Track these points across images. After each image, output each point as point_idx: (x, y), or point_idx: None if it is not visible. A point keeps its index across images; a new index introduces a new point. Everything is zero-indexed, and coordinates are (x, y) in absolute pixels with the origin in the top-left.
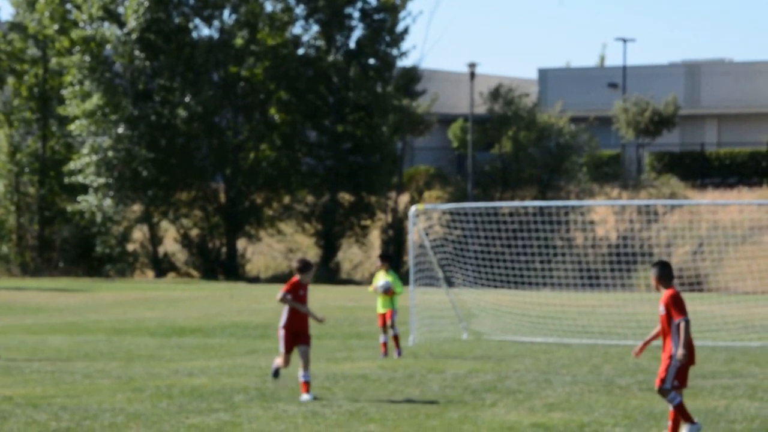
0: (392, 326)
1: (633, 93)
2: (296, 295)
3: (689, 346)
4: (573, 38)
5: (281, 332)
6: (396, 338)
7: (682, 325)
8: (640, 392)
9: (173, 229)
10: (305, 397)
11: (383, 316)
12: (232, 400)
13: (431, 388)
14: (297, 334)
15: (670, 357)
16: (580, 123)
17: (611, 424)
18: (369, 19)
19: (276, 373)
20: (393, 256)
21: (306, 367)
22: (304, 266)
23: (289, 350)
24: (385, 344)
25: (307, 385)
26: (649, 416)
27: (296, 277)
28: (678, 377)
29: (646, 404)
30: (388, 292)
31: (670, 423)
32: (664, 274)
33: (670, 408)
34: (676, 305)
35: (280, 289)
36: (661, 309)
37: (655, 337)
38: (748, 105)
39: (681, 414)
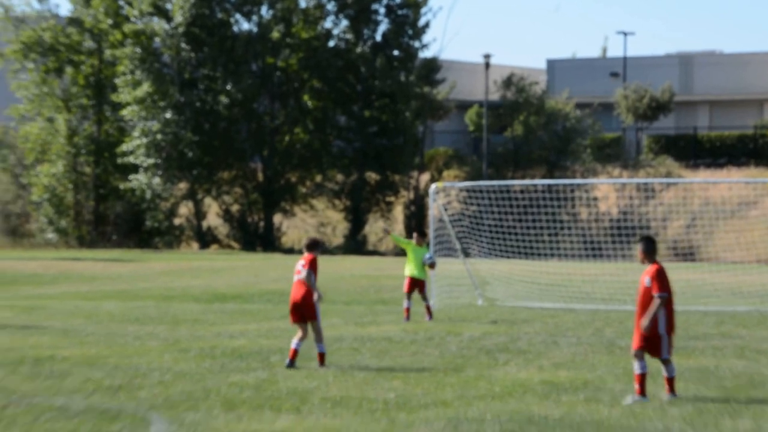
0: (425, 298)
1: (632, 81)
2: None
3: (669, 317)
4: (578, 32)
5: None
6: (428, 308)
7: (657, 301)
8: None
9: (215, 205)
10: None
11: (412, 281)
12: (268, 360)
13: (449, 349)
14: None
15: (659, 333)
16: (585, 109)
17: (612, 381)
18: (393, 15)
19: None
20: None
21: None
22: (320, 244)
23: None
24: (408, 309)
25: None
26: (647, 374)
27: (313, 255)
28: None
29: None
30: (432, 266)
31: (637, 386)
32: (649, 248)
33: (638, 372)
34: (659, 280)
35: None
36: (646, 281)
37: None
38: (737, 92)
39: (642, 379)
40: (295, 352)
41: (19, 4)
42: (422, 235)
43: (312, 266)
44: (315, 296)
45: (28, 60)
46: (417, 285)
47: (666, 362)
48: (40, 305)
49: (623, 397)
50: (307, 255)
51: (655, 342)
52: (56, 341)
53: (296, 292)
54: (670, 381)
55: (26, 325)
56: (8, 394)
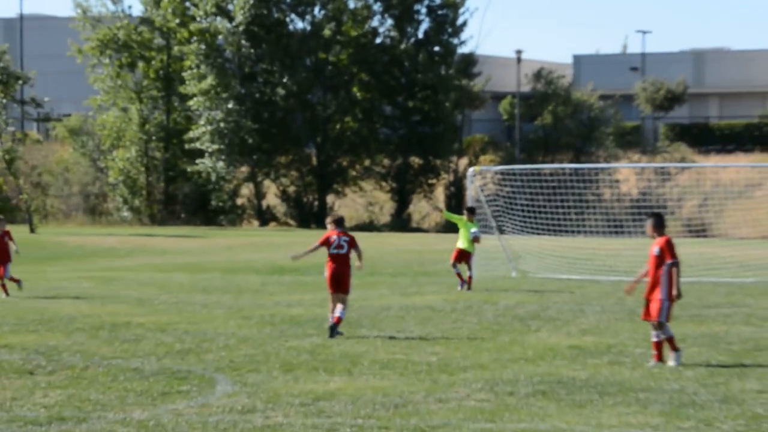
0: (470, 268)
1: (650, 75)
2: None
3: (670, 286)
4: (601, 30)
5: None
6: (470, 278)
7: (674, 268)
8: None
9: (274, 187)
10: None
11: (460, 253)
12: (323, 327)
13: (486, 316)
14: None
15: (661, 297)
16: (607, 100)
17: (633, 345)
18: (434, 14)
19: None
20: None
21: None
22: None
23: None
24: (459, 274)
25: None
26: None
27: (350, 234)
28: (670, 313)
29: None
30: (477, 239)
31: (655, 352)
32: (659, 223)
33: (654, 339)
34: (669, 249)
35: (344, 242)
36: (656, 250)
37: (643, 276)
38: (744, 85)
39: (671, 343)
40: (339, 319)
41: (96, 6)
42: (471, 212)
43: (356, 245)
44: (358, 264)
45: (104, 56)
46: (464, 256)
47: (659, 326)
48: (116, 276)
49: (645, 360)
50: (340, 232)
51: (655, 305)
52: (131, 309)
53: (337, 265)
54: (658, 345)
55: (104, 294)
56: (89, 356)
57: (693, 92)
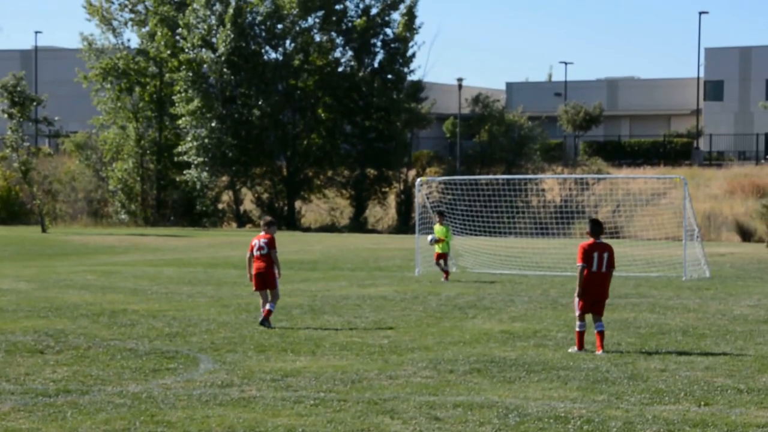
0: (445, 264)
1: (571, 100)
2: None
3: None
4: (530, 61)
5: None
6: (447, 273)
7: (578, 269)
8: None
9: (250, 194)
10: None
11: (437, 254)
12: (291, 314)
13: (431, 305)
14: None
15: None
16: (535, 120)
17: (555, 330)
18: (388, 47)
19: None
20: (445, 213)
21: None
22: (276, 223)
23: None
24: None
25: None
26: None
27: (272, 235)
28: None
29: None
30: (434, 242)
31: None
32: (593, 230)
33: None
34: (579, 253)
35: (264, 243)
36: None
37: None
38: (651, 109)
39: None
40: (269, 312)
41: (100, 39)
42: (440, 215)
43: (273, 245)
44: (276, 271)
45: (106, 82)
46: (441, 256)
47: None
48: (115, 270)
49: (565, 343)
50: (266, 234)
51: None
52: (127, 298)
53: (259, 265)
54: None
55: (104, 285)
56: (91, 338)
57: (607, 114)
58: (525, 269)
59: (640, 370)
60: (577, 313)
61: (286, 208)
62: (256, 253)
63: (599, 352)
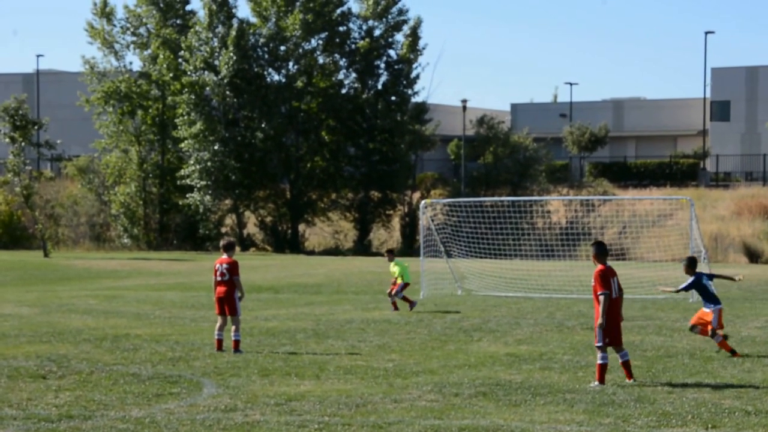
0: (396, 294)
1: (577, 121)
2: None
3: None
4: (535, 81)
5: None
6: (401, 300)
7: (602, 298)
8: (582, 331)
9: (253, 217)
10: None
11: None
12: (295, 338)
13: (435, 329)
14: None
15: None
16: (540, 142)
17: (561, 353)
18: (391, 69)
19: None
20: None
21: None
22: (235, 245)
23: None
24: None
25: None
26: (588, 347)
27: (233, 259)
28: (605, 336)
29: (586, 339)
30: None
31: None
32: (599, 252)
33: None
34: (599, 280)
35: (225, 269)
36: (592, 281)
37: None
38: (657, 130)
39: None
40: (220, 342)
41: (101, 62)
42: (390, 252)
43: (236, 271)
44: (238, 294)
45: (108, 105)
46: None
47: (599, 349)
48: (118, 294)
49: (571, 366)
50: (227, 258)
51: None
52: (130, 322)
53: (220, 290)
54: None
55: (107, 310)
56: (94, 363)
57: (613, 135)
58: (530, 292)
59: (647, 392)
60: (598, 344)
61: (289, 231)
62: (218, 278)
63: (630, 381)
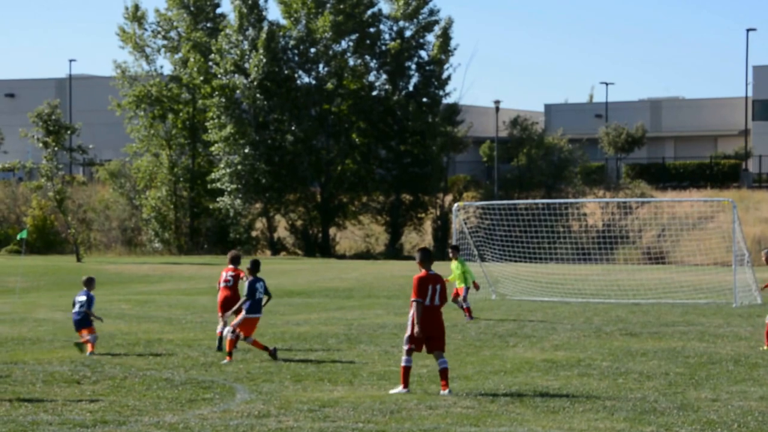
0: (464, 299)
1: (613, 121)
2: None
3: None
4: (570, 81)
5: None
6: (466, 309)
7: (414, 305)
8: (621, 336)
9: (284, 221)
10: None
11: (456, 290)
12: (327, 342)
13: (470, 334)
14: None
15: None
16: (575, 143)
17: (600, 359)
18: (422, 70)
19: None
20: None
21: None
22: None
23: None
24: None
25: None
26: (627, 353)
27: (238, 270)
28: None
29: (625, 345)
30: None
31: None
32: (423, 258)
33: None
34: (415, 287)
35: (230, 276)
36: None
37: None
38: (696, 130)
39: None
40: (223, 337)
41: (133, 67)
42: (455, 248)
43: (238, 279)
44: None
45: (140, 109)
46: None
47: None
48: (149, 299)
49: (611, 372)
50: (232, 267)
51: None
52: (162, 327)
53: (226, 294)
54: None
55: (139, 314)
56: (127, 368)
57: (651, 136)
58: (567, 296)
59: (690, 400)
60: (404, 347)
61: (320, 234)
62: (222, 284)
63: (444, 391)
